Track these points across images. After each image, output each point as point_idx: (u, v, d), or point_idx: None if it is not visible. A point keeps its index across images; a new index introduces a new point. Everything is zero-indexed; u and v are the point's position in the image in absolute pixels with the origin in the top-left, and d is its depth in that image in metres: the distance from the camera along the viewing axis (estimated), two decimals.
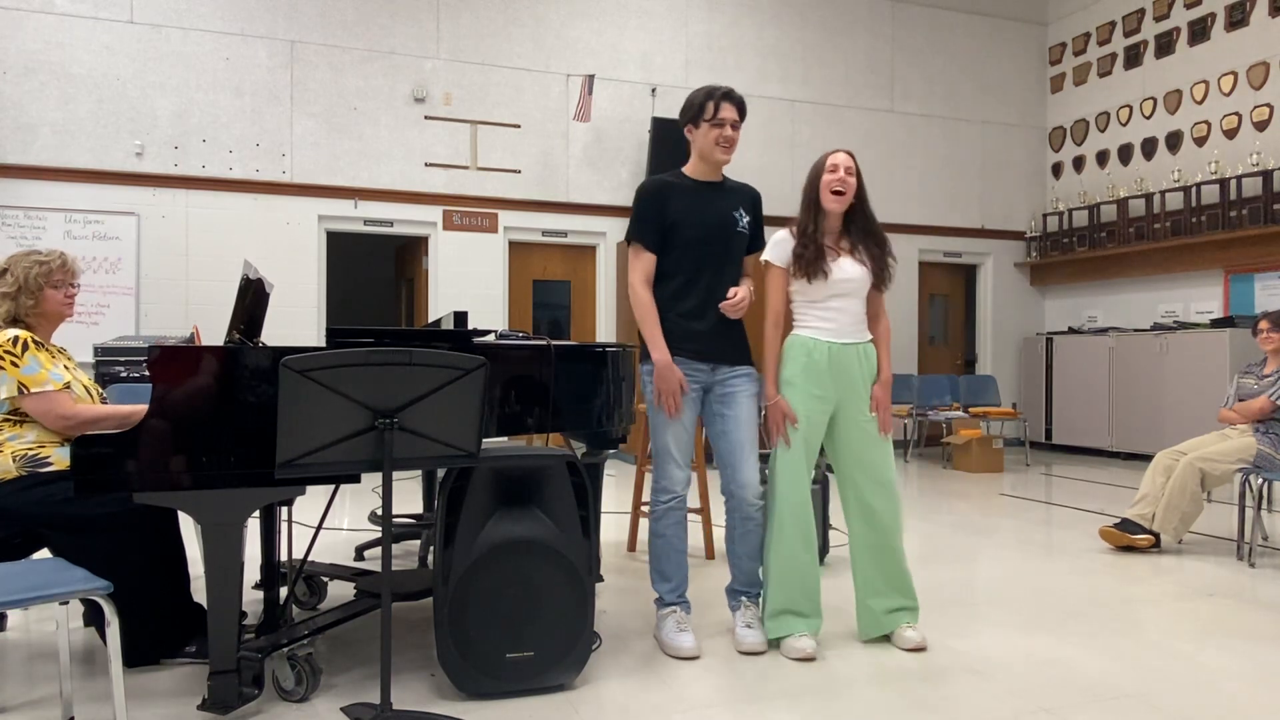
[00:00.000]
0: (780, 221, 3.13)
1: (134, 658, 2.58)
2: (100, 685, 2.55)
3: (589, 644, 2.60)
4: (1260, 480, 4.39)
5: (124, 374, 4.72)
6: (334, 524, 5.09)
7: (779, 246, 3.01)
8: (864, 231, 2.99)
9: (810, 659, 2.83)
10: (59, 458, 2.68)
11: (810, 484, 2.98)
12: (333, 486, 2.62)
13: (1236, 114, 8.09)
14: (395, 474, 2.66)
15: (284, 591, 2.93)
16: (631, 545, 4.50)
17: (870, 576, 3.00)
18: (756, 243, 3.10)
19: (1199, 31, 8.45)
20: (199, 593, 2.62)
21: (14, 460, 2.65)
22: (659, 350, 2.88)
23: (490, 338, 3.02)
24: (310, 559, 3.43)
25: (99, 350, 5.53)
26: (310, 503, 4.80)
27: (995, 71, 9.84)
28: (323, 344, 2.52)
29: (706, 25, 8.69)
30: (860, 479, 2.97)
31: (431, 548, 3.88)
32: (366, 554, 4.22)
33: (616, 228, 8.34)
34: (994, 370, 9.73)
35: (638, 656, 2.87)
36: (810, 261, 2.93)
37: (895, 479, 2.99)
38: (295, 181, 7.47)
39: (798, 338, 2.99)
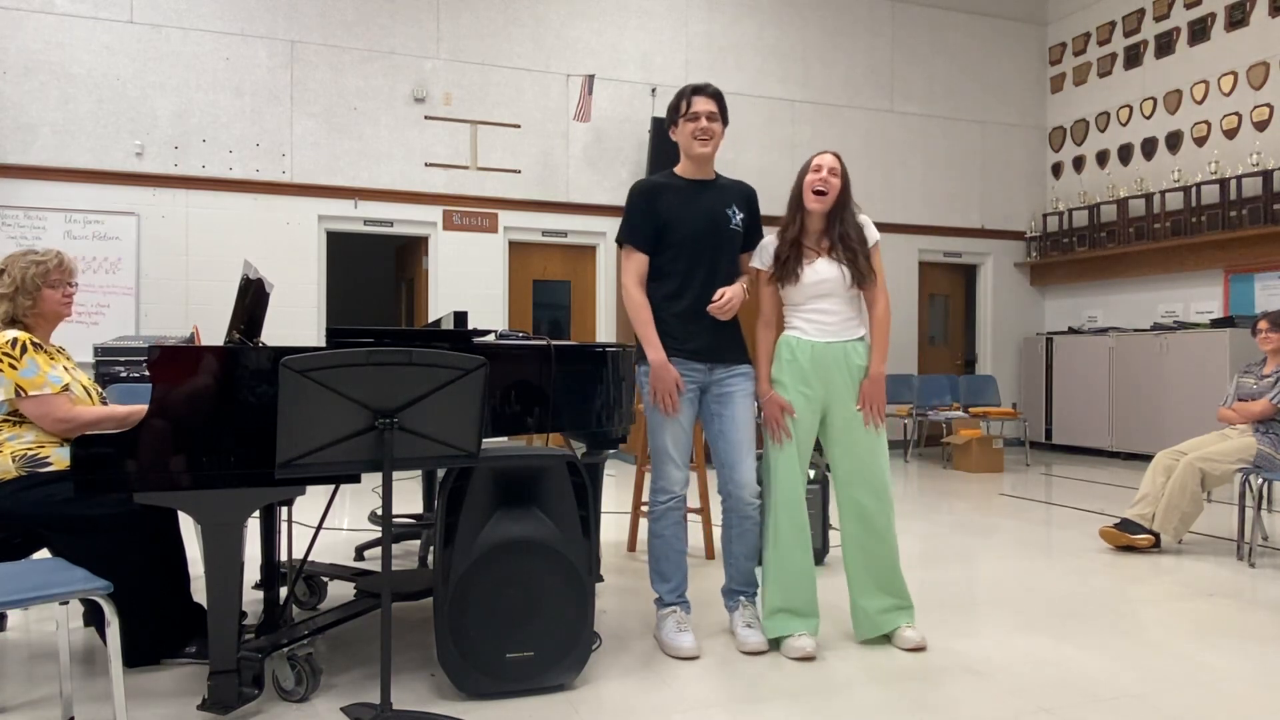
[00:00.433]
0: (780, 222, 3.13)
1: (134, 658, 2.58)
2: (100, 685, 2.55)
3: (589, 644, 2.60)
4: (1260, 480, 4.39)
5: (124, 374, 4.72)
6: (334, 524, 5.09)
7: (763, 251, 3.05)
8: (842, 233, 2.99)
9: (810, 659, 2.83)
10: (58, 458, 2.68)
11: (805, 483, 2.98)
12: (333, 486, 2.62)
13: (1236, 114, 8.09)
14: (395, 474, 2.66)
15: (284, 591, 2.93)
16: (631, 545, 4.50)
17: (861, 577, 3.00)
18: (752, 240, 3.09)
19: (1199, 31, 8.45)
20: (199, 593, 2.62)
21: (13, 460, 2.65)
22: (654, 350, 2.88)
23: (490, 338, 3.02)
24: (310, 559, 3.43)
25: (99, 350, 5.52)
26: (310, 503, 4.79)
27: (995, 71, 9.84)
28: (323, 344, 2.52)
29: (706, 25, 8.69)
30: (851, 477, 2.97)
31: (431, 548, 3.88)
32: (366, 554, 4.22)
33: (616, 228, 8.31)
34: (994, 370, 9.73)
35: (638, 656, 2.87)
36: (783, 264, 2.96)
37: (888, 479, 2.98)
38: (295, 181, 7.47)
39: (783, 338, 3.02)
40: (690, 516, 3.57)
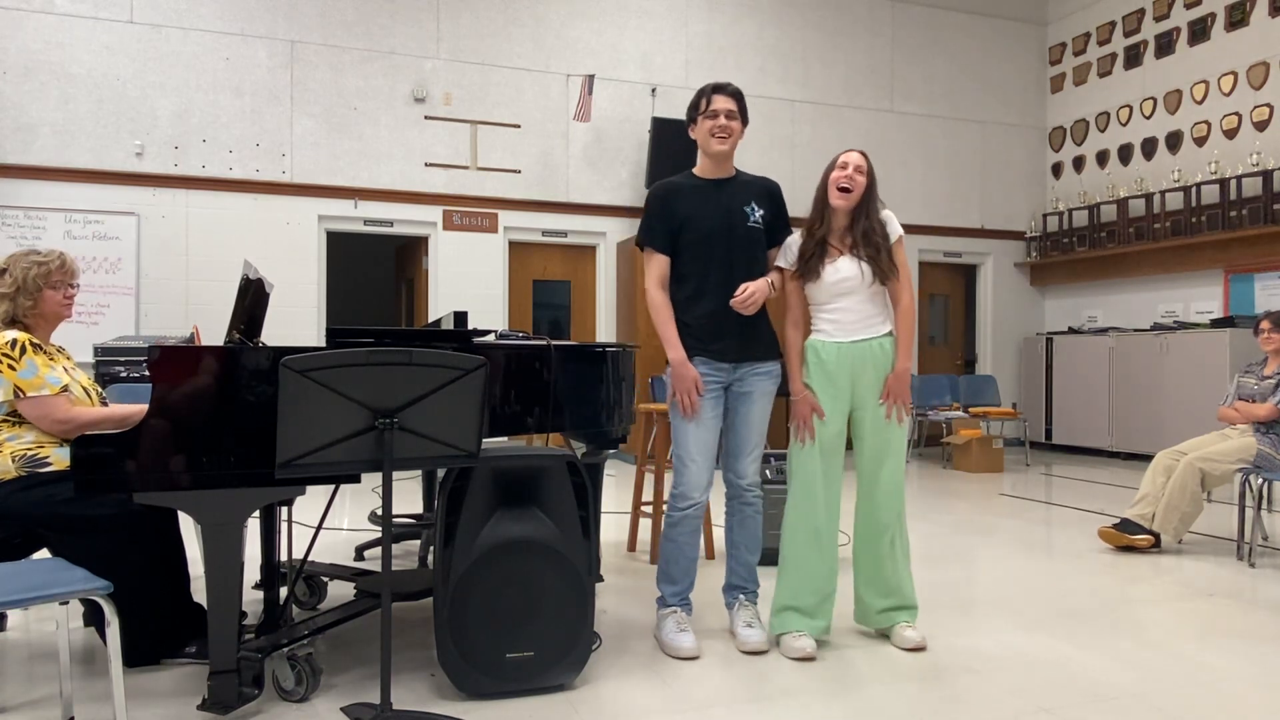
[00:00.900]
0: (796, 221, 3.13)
1: (134, 658, 2.58)
2: (100, 685, 2.55)
3: (589, 644, 2.60)
4: (1260, 480, 4.39)
5: (124, 374, 4.71)
6: (334, 524, 5.09)
7: (788, 250, 3.03)
8: (865, 230, 2.98)
9: (809, 659, 2.83)
10: (58, 458, 2.68)
11: (823, 485, 2.96)
12: (333, 486, 2.62)
13: (1236, 114, 8.08)
14: (395, 474, 2.66)
15: (284, 591, 2.93)
16: (631, 545, 4.50)
17: (866, 571, 3.05)
18: (778, 235, 3.05)
19: (1199, 31, 8.45)
20: (199, 593, 2.62)
21: (13, 461, 2.65)
22: (673, 349, 2.89)
23: (490, 338, 3.02)
24: (310, 559, 3.43)
25: (99, 350, 5.52)
26: (310, 503, 4.79)
27: (995, 71, 9.84)
28: (323, 344, 2.52)
29: (706, 25, 8.69)
30: (868, 473, 3.00)
31: (431, 548, 3.88)
32: (366, 554, 4.22)
33: (616, 228, 8.35)
34: (994, 370, 9.73)
35: (638, 656, 2.87)
36: (807, 261, 2.95)
37: (901, 479, 2.99)
38: (295, 181, 7.47)
39: (809, 343, 3.01)
40: None
